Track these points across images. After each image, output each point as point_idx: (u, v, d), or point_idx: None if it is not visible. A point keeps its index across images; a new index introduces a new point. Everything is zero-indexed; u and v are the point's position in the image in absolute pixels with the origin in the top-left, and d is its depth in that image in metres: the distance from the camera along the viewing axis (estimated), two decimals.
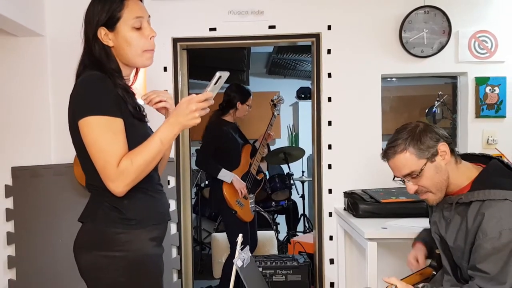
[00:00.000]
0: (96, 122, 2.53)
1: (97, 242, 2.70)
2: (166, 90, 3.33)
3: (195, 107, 2.56)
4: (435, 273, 3.40)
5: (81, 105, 2.59)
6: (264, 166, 9.00)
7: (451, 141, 3.05)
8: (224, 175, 6.15)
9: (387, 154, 3.14)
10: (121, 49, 2.79)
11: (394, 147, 3.08)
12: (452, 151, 3.04)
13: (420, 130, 3.04)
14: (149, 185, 2.82)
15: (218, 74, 2.58)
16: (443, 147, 2.99)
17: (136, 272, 2.71)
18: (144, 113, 2.89)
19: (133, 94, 2.82)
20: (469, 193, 2.93)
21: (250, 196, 6.34)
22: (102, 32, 2.74)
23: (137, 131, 2.74)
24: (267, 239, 8.03)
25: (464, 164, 3.10)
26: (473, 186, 2.98)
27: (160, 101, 3.04)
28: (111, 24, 2.75)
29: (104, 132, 2.53)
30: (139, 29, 2.80)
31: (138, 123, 2.79)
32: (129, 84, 2.97)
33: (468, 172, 3.05)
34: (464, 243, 2.94)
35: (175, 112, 2.63)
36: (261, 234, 7.85)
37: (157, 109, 3.12)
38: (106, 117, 2.54)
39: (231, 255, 6.29)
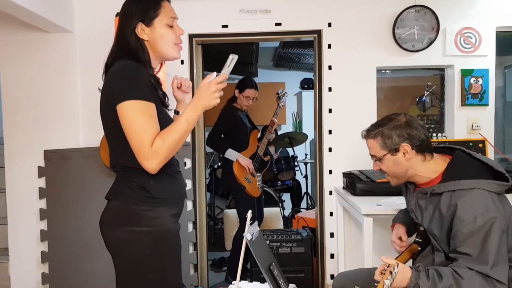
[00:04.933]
0: (134, 106, 2.57)
1: (124, 218, 2.73)
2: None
3: (215, 88, 2.66)
4: (420, 248, 3.40)
5: (120, 90, 2.62)
6: (272, 149, 9.06)
7: (422, 142, 3.12)
8: (230, 154, 6.27)
9: (364, 134, 3.34)
10: (155, 43, 2.86)
11: (368, 131, 3.29)
12: (420, 150, 3.13)
13: (396, 125, 3.16)
14: (170, 167, 2.85)
15: (231, 56, 2.69)
16: (405, 147, 3.11)
17: (160, 246, 2.74)
18: (168, 102, 2.96)
19: (161, 84, 2.87)
20: (441, 185, 3.02)
21: (258, 174, 6.39)
22: (139, 27, 2.79)
23: (164, 116, 2.80)
24: (274, 215, 8.05)
25: (434, 158, 3.18)
26: (443, 177, 3.08)
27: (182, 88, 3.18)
28: (148, 20, 2.82)
29: (141, 115, 2.57)
30: (171, 27, 2.90)
31: (164, 109, 2.85)
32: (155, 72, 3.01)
33: (437, 165, 3.15)
34: (440, 229, 3.03)
35: (197, 95, 2.69)
36: (268, 210, 7.88)
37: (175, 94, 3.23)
38: (143, 101, 2.58)
39: (240, 228, 6.33)
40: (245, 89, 6.51)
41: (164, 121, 2.74)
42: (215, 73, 2.73)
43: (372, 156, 3.30)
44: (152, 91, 2.71)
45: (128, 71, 2.67)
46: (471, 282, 2.72)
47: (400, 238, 3.56)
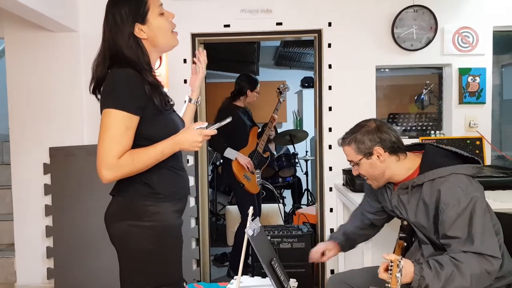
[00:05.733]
0: (115, 115, 2.55)
1: (128, 213, 2.73)
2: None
3: (201, 138, 2.68)
4: (405, 244, 3.43)
5: (109, 96, 2.59)
6: (272, 147, 9.07)
7: (394, 144, 3.22)
8: (229, 153, 6.28)
9: (339, 142, 3.48)
10: (155, 37, 2.79)
11: (343, 139, 3.42)
12: (393, 152, 3.22)
13: (367, 131, 3.27)
14: (175, 164, 2.85)
15: (228, 119, 2.81)
16: (378, 150, 3.21)
17: (162, 241, 2.73)
18: (172, 102, 2.88)
19: (160, 87, 2.79)
20: (421, 176, 3.12)
21: (257, 171, 6.39)
22: (137, 28, 2.73)
23: (162, 121, 2.74)
24: (275, 211, 8.04)
25: (408, 157, 3.28)
26: (421, 170, 3.17)
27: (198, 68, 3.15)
28: (143, 18, 2.74)
29: (119, 125, 2.55)
30: (162, 15, 2.82)
31: (163, 113, 2.76)
32: (155, 68, 2.96)
33: (412, 162, 3.25)
34: (427, 219, 3.11)
35: (183, 135, 2.69)
36: (269, 206, 7.90)
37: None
38: (125, 113, 2.55)
39: (242, 224, 6.35)
40: (256, 86, 6.60)
41: (160, 125, 2.73)
42: (206, 123, 2.75)
43: (350, 161, 3.38)
44: (145, 102, 2.64)
45: (121, 80, 2.62)
46: (470, 265, 2.79)
47: (322, 253, 3.72)
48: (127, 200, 2.78)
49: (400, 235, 3.47)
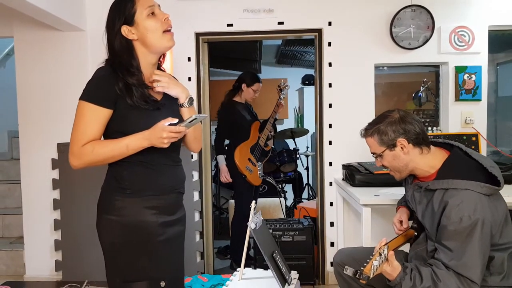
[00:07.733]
0: (83, 106, 2.64)
1: (101, 206, 2.83)
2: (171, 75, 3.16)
3: (166, 135, 2.57)
4: (416, 233, 3.43)
5: (83, 90, 2.68)
6: (270, 143, 9.10)
7: (418, 136, 3.17)
8: (219, 160, 6.55)
9: (363, 133, 3.42)
10: (145, 37, 2.76)
11: (366, 130, 3.37)
12: (417, 143, 3.17)
13: (391, 122, 3.21)
14: (153, 160, 2.78)
15: (194, 116, 2.60)
16: (402, 142, 3.16)
17: (129, 236, 2.73)
18: (160, 101, 2.83)
19: (140, 87, 2.72)
20: (435, 182, 3.07)
21: (259, 163, 6.38)
22: (125, 30, 2.75)
23: (136, 116, 2.68)
24: (276, 205, 8.03)
25: (432, 152, 3.22)
26: (438, 174, 3.12)
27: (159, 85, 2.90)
28: (129, 19, 2.75)
29: (86, 116, 2.63)
30: (153, 15, 2.78)
31: (141, 109, 2.69)
32: (160, 65, 3.00)
33: (436, 160, 3.19)
34: (431, 223, 3.08)
35: (151, 131, 2.61)
36: (270, 200, 7.89)
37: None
38: (93, 105, 2.61)
39: (236, 215, 6.53)
40: (254, 83, 6.53)
41: (135, 121, 2.68)
42: (176, 120, 2.62)
43: (373, 153, 3.35)
44: (117, 98, 2.65)
45: (94, 76, 2.71)
46: (448, 285, 2.84)
47: (401, 222, 3.59)
48: (101, 194, 2.88)
49: (412, 225, 3.48)
